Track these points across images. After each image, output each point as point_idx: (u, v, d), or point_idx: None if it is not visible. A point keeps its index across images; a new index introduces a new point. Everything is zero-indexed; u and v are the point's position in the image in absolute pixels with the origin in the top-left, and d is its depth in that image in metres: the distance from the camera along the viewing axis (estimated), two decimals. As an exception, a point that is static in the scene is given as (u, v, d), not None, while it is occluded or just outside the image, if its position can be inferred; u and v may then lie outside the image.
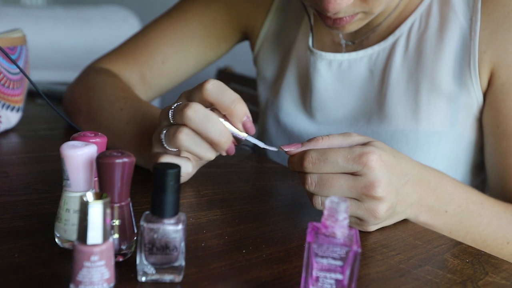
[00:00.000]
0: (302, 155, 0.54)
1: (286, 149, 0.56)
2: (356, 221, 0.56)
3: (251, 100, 1.68)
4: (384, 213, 0.54)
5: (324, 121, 0.81)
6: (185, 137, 0.55)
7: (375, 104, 0.77)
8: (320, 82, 0.80)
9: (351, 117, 0.79)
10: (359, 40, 0.79)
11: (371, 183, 0.52)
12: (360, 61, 0.78)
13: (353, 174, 0.53)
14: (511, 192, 0.72)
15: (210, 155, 0.57)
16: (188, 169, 0.59)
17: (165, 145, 0.57)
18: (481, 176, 0.81)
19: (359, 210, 0.54)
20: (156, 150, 0.59)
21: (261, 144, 0.58)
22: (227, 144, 0.55)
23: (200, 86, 0.56)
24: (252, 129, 0.57)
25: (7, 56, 0.68)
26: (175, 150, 0.58)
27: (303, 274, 0.42)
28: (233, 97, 0.55)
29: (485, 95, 0.73)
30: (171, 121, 0.56)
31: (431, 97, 0.73)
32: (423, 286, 0.47)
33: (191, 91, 0.58)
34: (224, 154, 0.57)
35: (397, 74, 0.75)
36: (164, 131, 0.57)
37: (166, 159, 0.58)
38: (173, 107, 0.57)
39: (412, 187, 0.57)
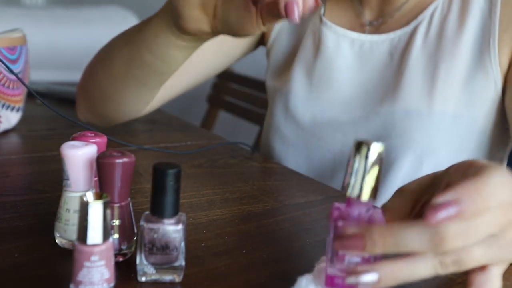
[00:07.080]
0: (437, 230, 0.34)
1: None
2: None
3: (251, 100, 1.68)
4: None
5: (335, 101, 0.81)
6: None
7: (390, 85, 0.78)
8: (341, 60, 0.81)
9: (365, 98, 0.79)
10: (383, 20, 0.80)
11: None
12: (382, 44, 0.79)
13: None
14: None
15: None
16: None
17: None
18: None
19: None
20: None
21: None
22: None
23: None
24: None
25: (5, 65, 0.68)
26: None
27: (328, 255, 0.39)
28: None
29: (505, 77, 0.73)
30: None
31: (448, 78, 0.74)
32: (423, 286, 0.47)
33: None
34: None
35: (416, 56, 0.76)
36: None
37: None
38: None
39: None
